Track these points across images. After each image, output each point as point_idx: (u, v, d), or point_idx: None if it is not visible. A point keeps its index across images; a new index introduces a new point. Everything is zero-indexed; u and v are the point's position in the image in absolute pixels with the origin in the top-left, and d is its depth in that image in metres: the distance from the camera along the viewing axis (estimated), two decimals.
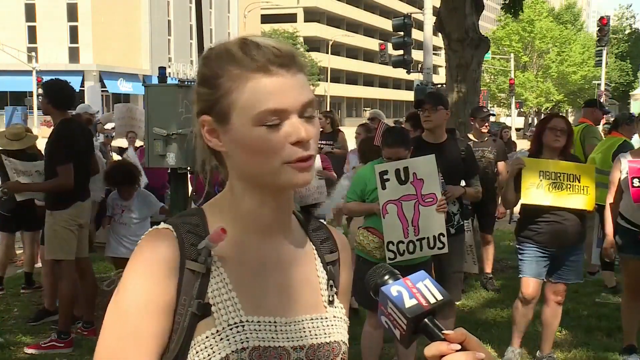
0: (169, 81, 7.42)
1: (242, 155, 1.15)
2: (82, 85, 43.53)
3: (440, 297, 1.06)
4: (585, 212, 4.71)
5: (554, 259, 4.71)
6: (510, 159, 6.63)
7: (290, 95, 1.13)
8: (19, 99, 43.51)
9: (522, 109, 56.98)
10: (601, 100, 9.01)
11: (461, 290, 5.40)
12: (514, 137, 17.05)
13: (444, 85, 10.91)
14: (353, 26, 79.46)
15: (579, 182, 4.60)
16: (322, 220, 1.37)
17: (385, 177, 4.25)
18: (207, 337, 1.12)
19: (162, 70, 6.24)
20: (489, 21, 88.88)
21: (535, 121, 54.26)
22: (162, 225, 1.18)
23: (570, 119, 55.30)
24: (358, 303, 5.09)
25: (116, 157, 9.86)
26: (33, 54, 41.59)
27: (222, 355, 1.11)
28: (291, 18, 72.11)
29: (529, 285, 4.75)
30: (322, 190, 6.43)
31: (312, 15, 74.08)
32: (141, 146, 7.86)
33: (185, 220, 1.18)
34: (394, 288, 1.06)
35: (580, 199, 4.60)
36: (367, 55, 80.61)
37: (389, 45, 20.33)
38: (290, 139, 1.12)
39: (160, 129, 5.27)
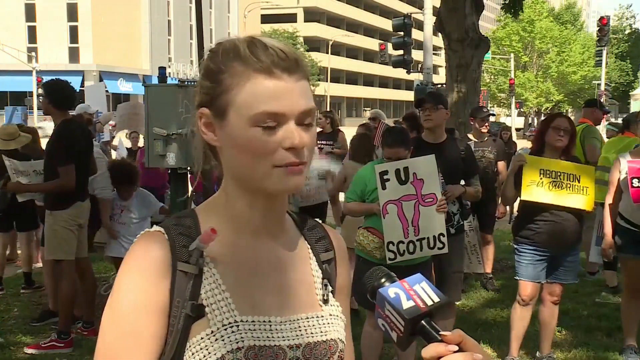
0: (169, 81, 7.41)
1: (234, 153, 1.15)
2: (82, 85, 43.55)
3: (437, 300, 1.06)
4: (584, 213, 4.71)
5: (552, 260, 4.70)
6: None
7: (290, 101, 1.12)
8: (19, 99, 43.52)
9: (522, 109, 56.98)
10: (601, 101, 9.00)
11: (461, 290, 5.40)
12: (514, 137, 17.04)
13: (444, 85, 10.91)
14: (353, 26, 79.48)
15: (579, 182, 4.60)
16: (317, 220, 1.37)
17: (385, 177, 4.25)
18: (202, 339, 1.12)
19: (162, 70, 6.24)
20: (489, 21, 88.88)
21: (535, 121, 54.31)
22: (154, 227, 1.18)
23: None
24: (358, 303, 5.09)
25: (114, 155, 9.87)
26: (33, 54, 41.61)
27: (218, 355, 1.11)
28: (291, 18, 72.14)
29: (527, 288, 4.74)
30: (322, 191, 6.46)
31: (312, 15, 74.09)
32: (143, 146, 7.86)
33: (178, 222, 1.19)
34: (392, 290, 1.06)
35: (579, 198, 4.60)
36: (367, 55, 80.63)
37: (389, 45, 20.33)
38: (283, 144, 1.12)
39: (160, 129, 5.27)
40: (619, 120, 22.49)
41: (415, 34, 21.16)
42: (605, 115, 8.51)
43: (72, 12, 48.42)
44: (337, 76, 74.81)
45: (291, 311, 1.20)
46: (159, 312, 1.12)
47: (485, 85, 50.42)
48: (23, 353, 5.23)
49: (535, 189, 4.58)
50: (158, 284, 1.12)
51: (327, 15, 75.87)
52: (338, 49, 75.24)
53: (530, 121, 57.29)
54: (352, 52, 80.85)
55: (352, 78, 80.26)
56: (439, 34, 9.70)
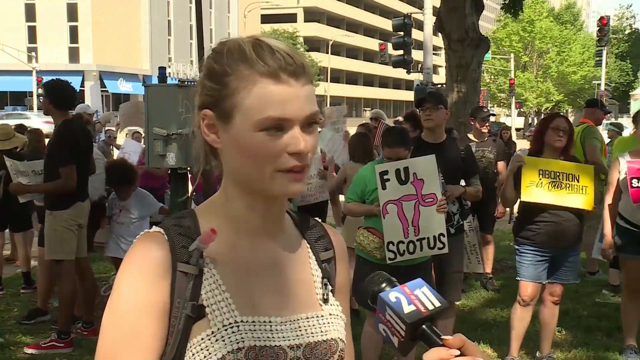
0: (169, 81, 7.41)
1: (237, 156, 1.15)
2: (82, 85, 43.55)
3: (438, 304, 1.06)
4: (584, 212, 4.71)
5: (553, 260, 4.70)
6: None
7: (296, 106, 1.12)
8: (19, 99, 43.56)
9: (522, 109, 56.98)
10: (602, 101, 8.99)
11: (461, 290, 5.40)
12: (514, 137, 17.05)
13: (444, 85, 10.92)
14: (353, 26, 79.48)
15: (578, 182, 4.60)
16: (317, 219, 1.37)
17: (385, 177, 4.25)
18: (202, 339, 1.12)
19: (162, 70, 6.24)
20: (489, 21, 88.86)
21: (535, 121, 54.27)
22: (154, 228, 1.18)
23: (570, 119, 55.27)
24: (358, 303, 5.09)
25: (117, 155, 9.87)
26: (33, 54, 41.61)
27: (219, 356, 1.11)
28: (291, 18, 72.14)
29: (527, 288, 4.73)
30: (323, 190, 6.45)
31: (312, 15, 74.10)
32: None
33: (177, 223, 1.19)
34: (392, 294, 1.07)
35: (579, 198, 4.60)
36: (367, 55, 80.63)
37: (389, 45, 20.34)
38: (288, 149, 1.12)
39: (160, 129, 5.27)
40: (619, 120, 22.52)
41: (415, 34, 21.17)
42: (605, 116, 8.48)
43: (72, 12, 48.42)
44: (337, 76, 74.81)
45: (291, 311, 1.20)
46: (160, 312, 1.12)
47: (485, 85, 50.41)
48: (23, 353, 5.23)
49: (535, 190, 4.58)
50: (158, 285, 1.12)
51: (327, 15, 75.88)
52: (338, 49, 75.24)
53: (530, 121, 57.26)
54: (352, 52, 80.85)
55: (352, 78, 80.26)
56: (439, 34, 9.70)
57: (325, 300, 1.26)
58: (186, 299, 1.13)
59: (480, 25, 9.41)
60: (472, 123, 7.35)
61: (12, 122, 12.57)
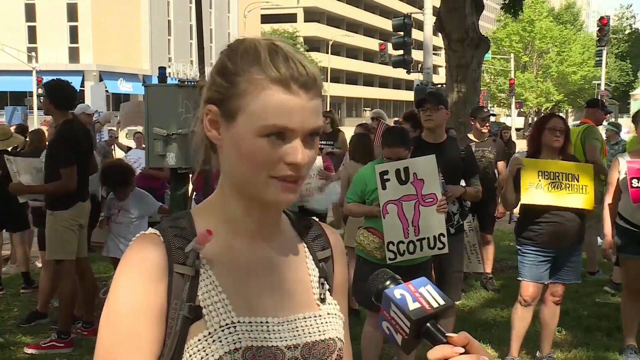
0: (169, 81, 7.41)
1: (235, 156, 1.15)
2: (82, 85, 43.56)
3: (442, 302, 1.06)
4: (585, 212, 4.71)
5: (554, 260, 4.69)
6: None
7: (302, 118, 1.12)
8: (19, 99, 43.50)
9: (522, 109, 56.99)
10: (603, 101, 8.99)
11: (461, 290, 5.40)
12: (514, 137, 17.07)
13: (444, 85, 10.92)
14: (353, 26, 79.49)
15: (578, 182, 4.60)
16: (314, 218, 1.36)
17: (385, 177, 4.25)
18: (199, 340, 1.12)
19: (162, 70, 6.23)
20: (489, 21, 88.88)
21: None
22: (150, 230, 1.18)
23: (570, 119, 55.39)
24: (358, 303, 5.09)
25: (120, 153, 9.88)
26: (33, 54, 41.57)
27: (216, 357, 1.11)
28: (291, 18, 72.14)
29: (529, 288, 4.73)
30: (322, 191, 6.44)
31: (312, 15, 74.10)
32: None
33: (173, 224, 1.18)
34: (397, 291, 1.06)
35: (579, 198, 4.60)
36: (367, 55, 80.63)
37: (389, 45, 20.32)
38: (286, 159, 1.12)
39: (160, 129, 5.26)
40: (619, 120, 22.51)
41: (415, 34, 21.16)
42: (606, 116, 8.49)
43: (72, 12, 48.39)
44: (337, 76, 74.81)
45: (288, 311, 1.20)
46: (157, 314, 1.12)
47: (485, 85, 50.41)
48: (23, 353, 5.23)
49: (535, 191, 4.58)
50: (155, 287, 1.12)
51: (327, 15, 75.88)
52: (338, 49, 75.24)
53: (530, 121, 57.23)
54: (352, 52, 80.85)
55: (352, 78, 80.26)
56: (439, 34, 9.70)
57: (323, 300, 1.25)
58: (183, 300, 1.12)
59: (480, 25, 9.41)
60: (472, 123, 7.34)
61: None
